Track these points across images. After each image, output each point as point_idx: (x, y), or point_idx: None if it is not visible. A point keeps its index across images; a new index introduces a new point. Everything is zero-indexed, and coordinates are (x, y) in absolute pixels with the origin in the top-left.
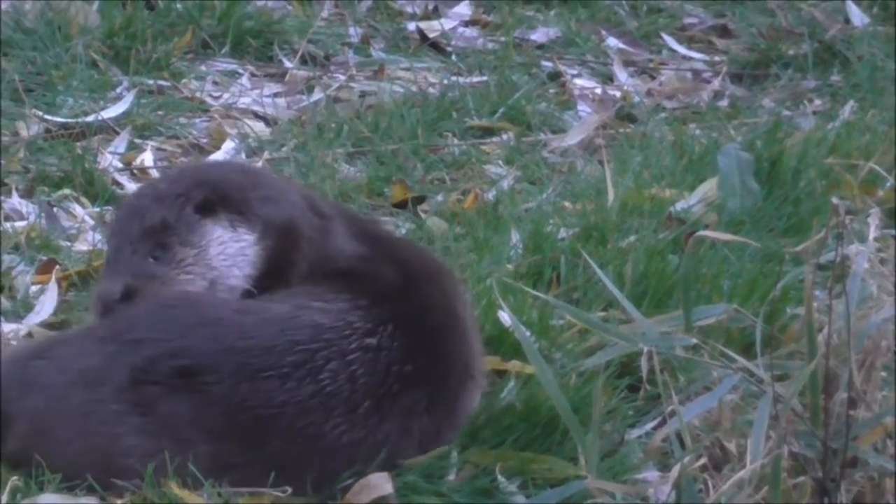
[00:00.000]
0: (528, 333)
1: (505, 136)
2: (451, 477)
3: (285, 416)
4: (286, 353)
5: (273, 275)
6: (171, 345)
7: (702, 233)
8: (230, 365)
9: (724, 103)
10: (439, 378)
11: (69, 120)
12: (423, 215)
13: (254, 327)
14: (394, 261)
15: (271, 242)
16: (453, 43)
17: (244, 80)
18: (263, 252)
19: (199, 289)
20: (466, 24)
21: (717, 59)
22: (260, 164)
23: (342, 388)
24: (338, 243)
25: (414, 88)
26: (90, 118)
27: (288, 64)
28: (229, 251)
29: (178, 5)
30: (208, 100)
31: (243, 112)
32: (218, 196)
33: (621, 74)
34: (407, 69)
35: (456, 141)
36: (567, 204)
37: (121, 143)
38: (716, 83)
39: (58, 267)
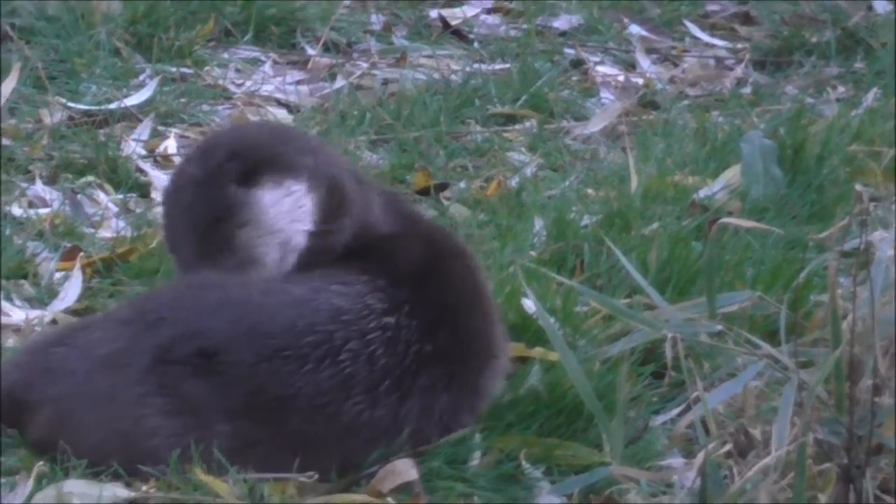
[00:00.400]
0: (552, 320)
1: (527, 124)
2: (475, 462)
3: (303, 397)
4: (304, 335)
5: (322, 234)
6: (191, 325)
7: (725, 220)
8: (248, 346)
9: (746, 90)
10: (461, 356)
11: (92, 107)
12: (445, 202)
13: (275, 309)
14: (421, 236)
15: (321, 194)
16: (475, 30)
17: (266, 67)
18: (314, 202)
19: (272, 258)
20: (489, 11)
21: (739, 46)
22: None
23: (361, 368)
24: (375, 215)
25: (436, 76)
26: (113, 105)
27: (310, 51)
28: (284, 208)
29: None
30: (231, 87)
31: (266, 99)
32: (254, 162)
33: (644, 62)
34: (429, 56)
35: (478, 128)
36: (590, 191)
37: (144, 130)
38: (738, 70)
39: (82, 254)
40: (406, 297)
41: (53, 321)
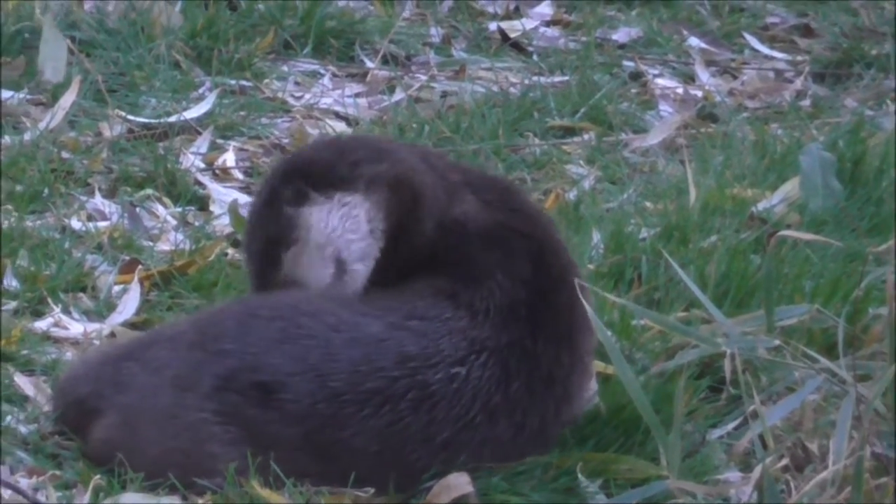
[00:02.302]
0: (609, 334)
1: (586, 136)
2: (532, 477)
3: (359, 441)
4: (367, 379)
5: (400, 230)
6: (253, 359)
7: (784, 233)
8: (308, 385)
9: (806, 103)
10: (532, 406)
11: (152, 120)
12: None
13: (340, 348)
14: (523, 243)
15: (384, 196)
16: (534, 43)
17: (326, 80)
18: (378, 205)
19: (325, 274)
20: (548, 23)
21: (799, 58)
22: None
23: (420, 418)
24: (464, 209)
25: (495, 88)
26: (172, 118)
27: (369, 64)
28: (333, 222)
29: (261, 6)
30: (290, 100)
31: (325, 112)
32: (305, 181)
33: (703, 74)
34: (488, 69)
35: (537, 141)
36: (648, 204)
37: (203, 143)
38: (798, 83)
39: (140, 267)
40: (485, 342)
41: (111, 334)
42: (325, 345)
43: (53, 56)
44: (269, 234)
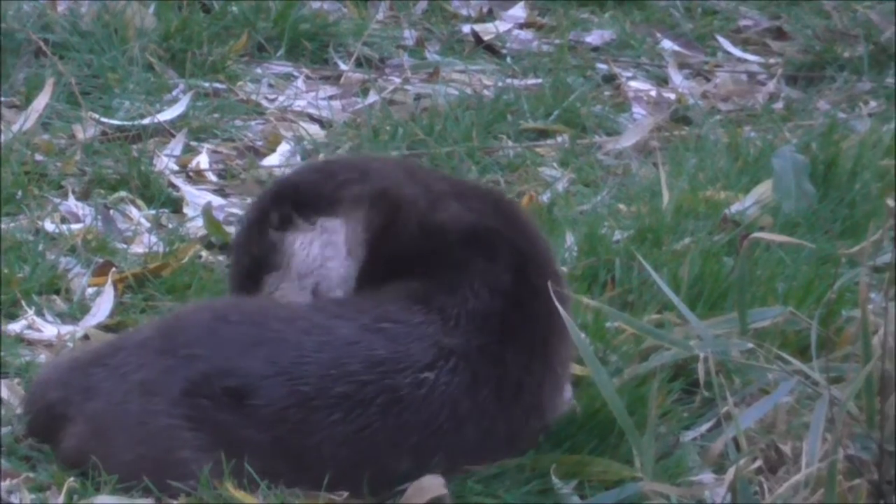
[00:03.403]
0: (583, 336)
1: (560, 139)
2: (506, 479)
3: (329, 446)
4: (336, 384)
5: (379, 241)
6: (224, 363)
7: (757, 235)
8: (279, 389)
9: (779, 105)
10: (500, 413)
11: (125, 122)
12: None
13: (312, 351)
14: (512, 255)
15: (364, 211)
16: (508, 45)
17: (299, 82)
18: (357, 222)
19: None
20: (521, 26)
21: (772, 61)
22: None
23: (389, 423)
24: (449, 217)
25: (469, 91)
26: (146, 121)
27: (343, 66)
28: (314, 251)
29: (234, 8)
30: (264, 102)
31: (298, 114)
32: (291, 205)
33: (676, 77)
34: (462, 71)
35: (511, 143)
36: (622, 206)
37: (176, 145)
38: (771, 85)
39: (114, 269)
40: (456, 348)
41: (85, 337)
42: (296, 348)
43: None
44: (254, 256)
